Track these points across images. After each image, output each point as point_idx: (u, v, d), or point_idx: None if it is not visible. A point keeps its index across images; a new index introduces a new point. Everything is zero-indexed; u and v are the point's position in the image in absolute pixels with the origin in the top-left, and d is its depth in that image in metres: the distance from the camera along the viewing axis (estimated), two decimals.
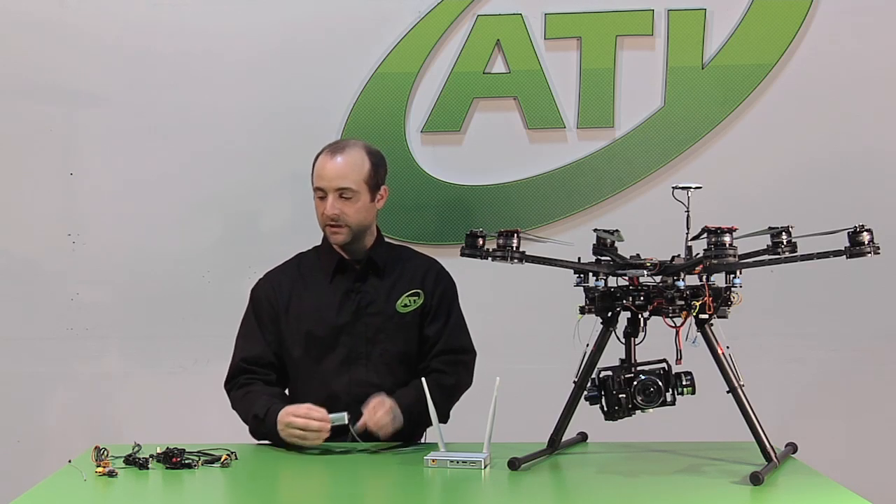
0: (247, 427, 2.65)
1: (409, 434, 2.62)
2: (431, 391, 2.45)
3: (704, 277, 2.30)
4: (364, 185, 2.64)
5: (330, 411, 2.52)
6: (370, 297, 2.69)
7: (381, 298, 2.69)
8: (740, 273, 2.32)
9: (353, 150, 2.66)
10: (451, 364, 2.72)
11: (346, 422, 2.47)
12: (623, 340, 2.38)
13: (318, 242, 2.78)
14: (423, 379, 2.46)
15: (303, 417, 2.48)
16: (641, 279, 2.34)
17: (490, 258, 2.37)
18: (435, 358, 2.71)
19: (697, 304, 2.28)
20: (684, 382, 2.32)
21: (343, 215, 2.62)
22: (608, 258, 2.40)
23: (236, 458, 2.43)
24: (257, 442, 2.64)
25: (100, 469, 2.30)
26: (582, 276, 2.39)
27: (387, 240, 2.82)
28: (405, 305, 2.70)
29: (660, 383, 2.30)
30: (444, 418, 2.66)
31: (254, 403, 2.59)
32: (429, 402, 2.41)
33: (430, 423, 2.46)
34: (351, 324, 2.67)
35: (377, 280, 2.70)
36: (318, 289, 2.70)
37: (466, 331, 2.78)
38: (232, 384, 2.69)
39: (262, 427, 2.57)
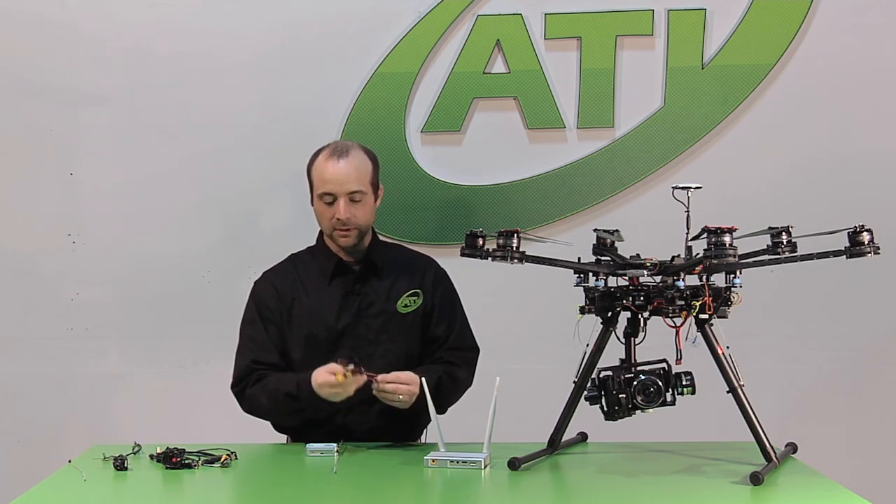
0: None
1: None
2: (444, 381, 2.51)
3: (704, 277, 2.30)
4: (370, 185, 2.66)
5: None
6: (370, 299, 2.68)
7: (381, 299, 2.68)
8: (740, 273, 2.32)
9: (355, 152, 2.65)
10: (461, 359, 2.73)
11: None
12: (623, 340, 2.38)
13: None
14: (423, 379, 2.45)
15: (332, 373, 2.45)
16: (641, 279, 2.34)
17: (490, 258, 2.37)
18: (446, 352, 2.72)
19: (697, 304, 2.28)
20: (684, 382, 2.32)
21: (354, 218, 2.62)
22: (608, 258, 2.40)
23: (236, 458, 2.43)
24: (257, 442, 2.64)
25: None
26: (582, 276, 2.39)
27: (381, 238, 2.82)
28: (406, 306, 2.69)
29: (660, 383, 2.30)
30: (443, 411, 2.66)
31: (279, 386, 2.57)
32: (428, 401, 2.41)
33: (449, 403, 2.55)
34: (352, 326, 2.66)
35: (376, 281, 2.70)
36: (318, 291, 2.69)
37: (471, 329, 2.79)
38: (243, 384, 2.65)
39: (297, 402, 2.54)
